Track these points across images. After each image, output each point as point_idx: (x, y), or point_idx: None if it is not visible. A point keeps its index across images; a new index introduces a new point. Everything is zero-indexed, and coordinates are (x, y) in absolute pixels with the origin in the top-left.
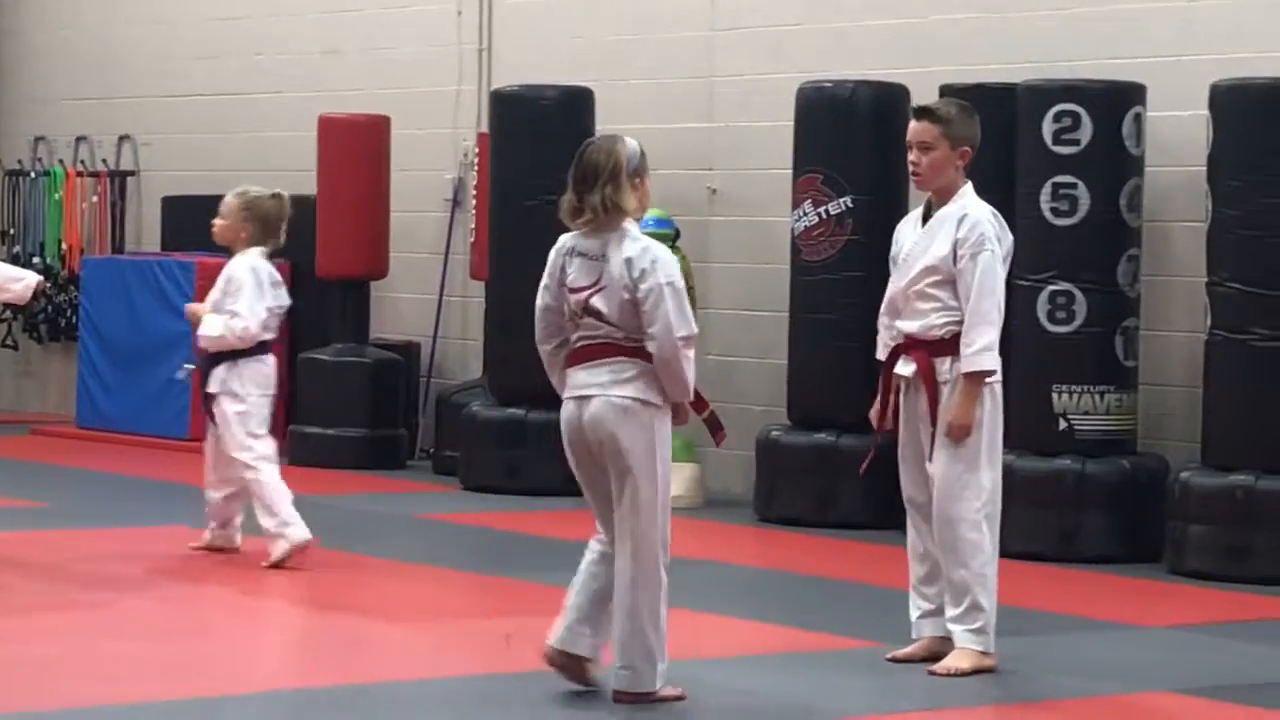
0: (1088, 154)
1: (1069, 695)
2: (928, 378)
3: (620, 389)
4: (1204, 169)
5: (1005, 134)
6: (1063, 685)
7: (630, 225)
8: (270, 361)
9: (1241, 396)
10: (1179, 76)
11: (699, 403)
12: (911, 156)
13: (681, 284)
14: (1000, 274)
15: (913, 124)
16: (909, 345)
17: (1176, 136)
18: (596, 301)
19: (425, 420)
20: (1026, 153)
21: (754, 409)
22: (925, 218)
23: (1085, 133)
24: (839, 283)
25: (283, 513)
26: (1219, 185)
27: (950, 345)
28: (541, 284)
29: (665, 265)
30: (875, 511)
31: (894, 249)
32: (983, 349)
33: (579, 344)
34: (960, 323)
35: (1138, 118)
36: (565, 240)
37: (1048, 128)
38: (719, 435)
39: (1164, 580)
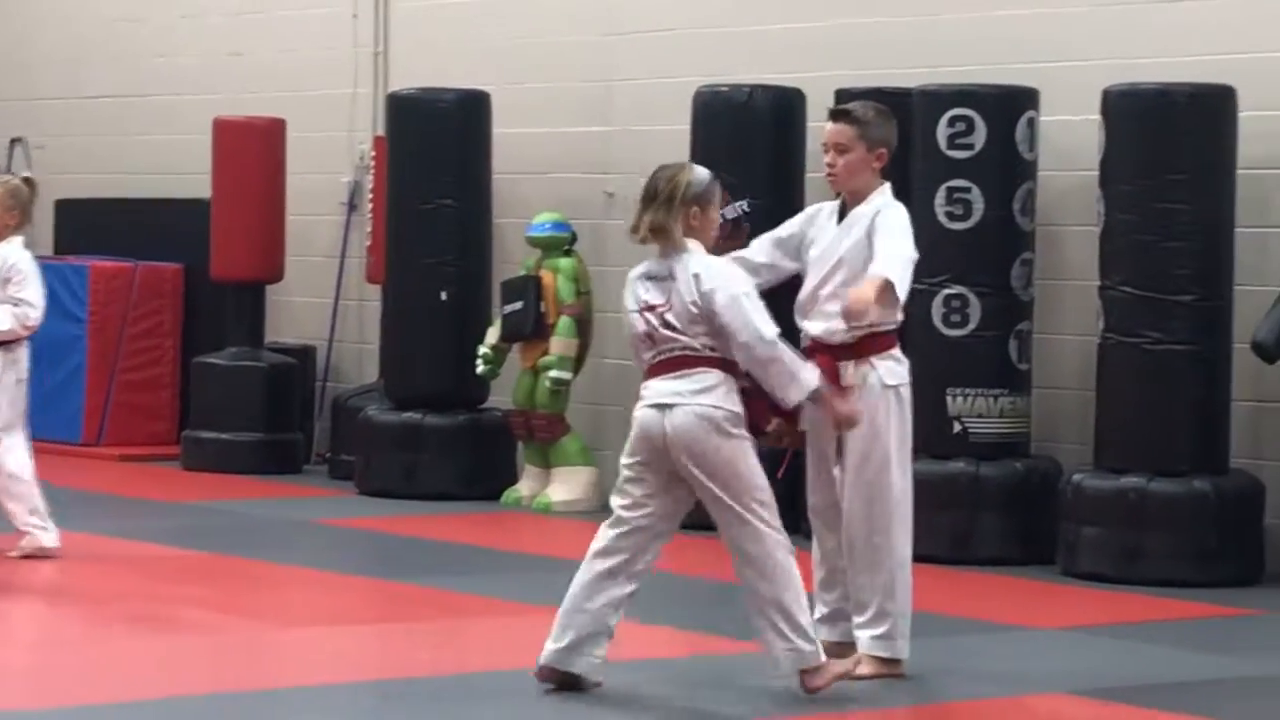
0: (982, 158)
1: (963, 697)
2: (832, 381)
3: (703, 398)
4: (1096, 173)
5: (900, 138)
6: (957, 688)
7: (696, 247)
8: (27, 345)
9: (1133, 399)
10: (1071, 81)
11: (763, 416)
12: (828, 158)
13: (754, 290)
14: (909, 231)
15: (829, 125)
16: (813, 348)
17: (1069, 141)
18: (671, 317)
19: (321, 424)
20: (921, 157)
21: None
22: (841, 218)
23: (979, 137)
24: None
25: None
26: (1111, 189)
27: (854, 349)
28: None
29: (733, 278)
30: (779, 514)
31: (802, 230)
32: (894, 266)
33: (657, 359)
34: (865, 326)
35: (1031, 122)
36: (635, 270)
37: (942, 132)
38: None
39: (1058, 582)
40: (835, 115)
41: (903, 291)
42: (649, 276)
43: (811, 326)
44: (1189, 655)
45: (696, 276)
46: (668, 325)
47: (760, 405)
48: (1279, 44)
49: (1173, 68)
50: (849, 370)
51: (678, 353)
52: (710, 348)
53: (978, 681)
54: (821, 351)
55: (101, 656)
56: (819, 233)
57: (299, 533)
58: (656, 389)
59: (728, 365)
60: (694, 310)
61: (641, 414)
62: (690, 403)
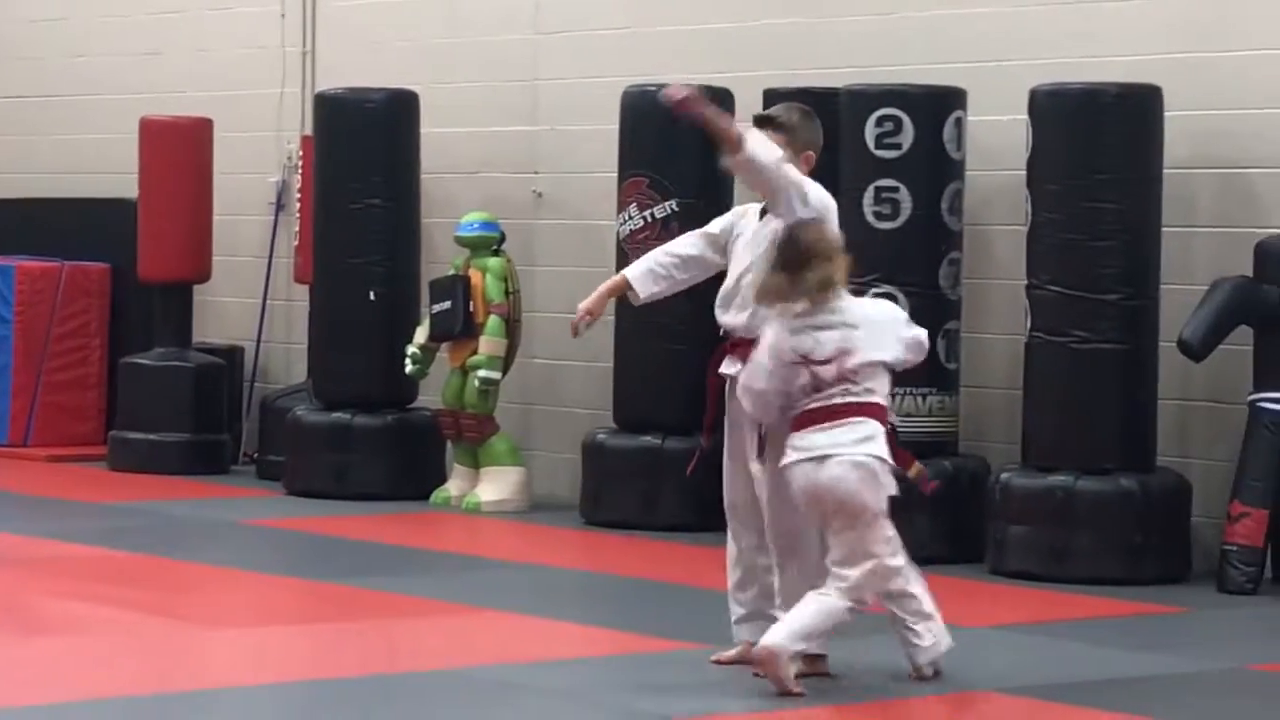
0: (910, 158)
1: (893, 695)
2: None
3: (865, 447)
4: (1023, 173)
5: (828, 138)
6: (884, 686)
7: (844, 292)
8: None
9: (1061, 398)
10: (999, 81)
11: (905, 460)
12: None
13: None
14: (814, 184)
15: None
16: (734, 344)
17: (997, 141)
18: (850, 363)
19: (249, 425)
20: (849, 157)
21: (579, 412)
22: (764, 212)
23: (907, 137)
24: None
25: None
26: (1038, 189)
27: None
28: (768, 371)
29: (893, 311)
30: (700, 514)
31: (730, 226)
32: (762, 145)
33: (810, 406)
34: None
35: (959, 122)
36: (787, 326)
37: (870, 132)
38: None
39: (986, 580)
40: (760, 122)
41: (757, 150)
42: (816, 327)
43: (731, 319)
44: (1116, 653)
45: (871, 316)
46: (845, 377)
47: (903, 451)
48: (1205, 44)
49: (1099, 68)
50: None
51: (836, 400)
52: (869, 390)
53: (905, 680)
54: (741, 346)
55: (25, 658)
56: (744, 228)
57: (226, 533)
58: (813, 442)
59: (881, 412)
60: (882, 359)
61: (799, 470)
62: (852, 453)
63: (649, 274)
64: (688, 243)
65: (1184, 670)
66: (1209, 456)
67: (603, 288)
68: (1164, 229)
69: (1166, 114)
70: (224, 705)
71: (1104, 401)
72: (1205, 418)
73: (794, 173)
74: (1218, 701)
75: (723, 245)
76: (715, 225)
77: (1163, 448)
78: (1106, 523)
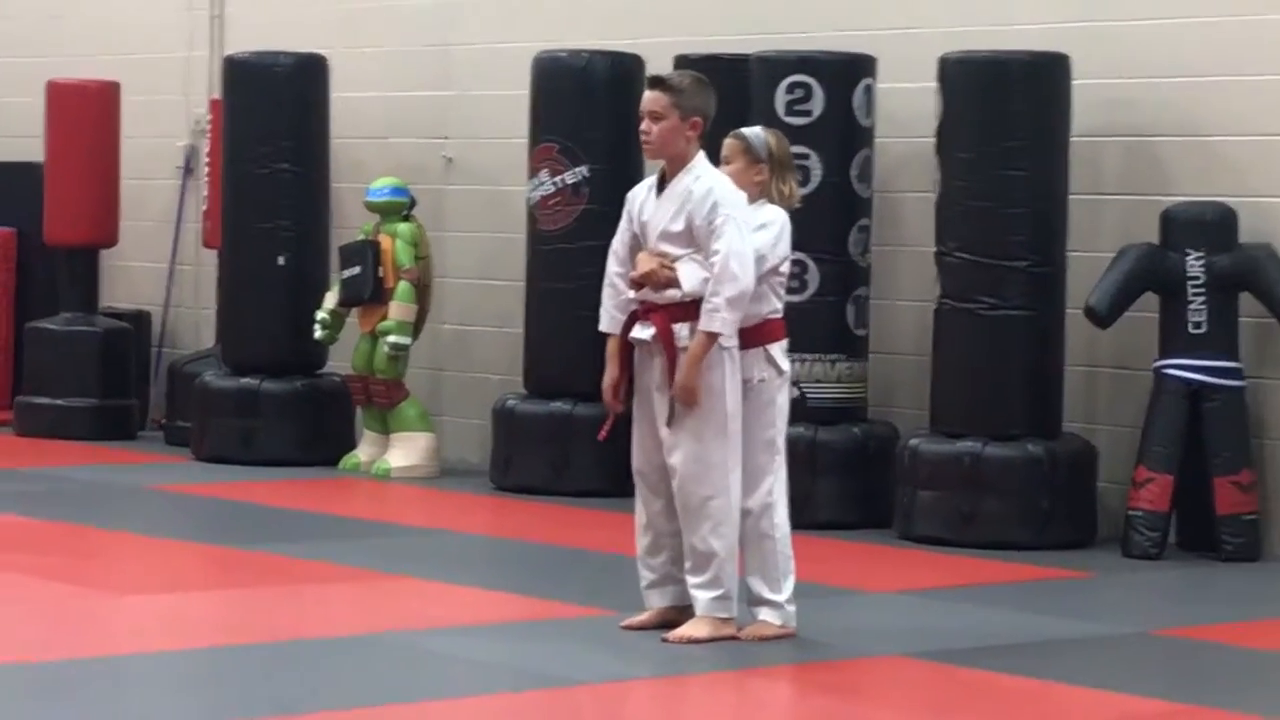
0: (820, 125)
1: (800, 660)
2: (667, 342)
3: None
4: (933, 140)
5: (739, 105)
6: (794, 651)
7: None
8: None
9: (968, 365)
10: (909, 49)
11: None
12: (643, 125)
13: None
14: (744, 234)
15: (645, 93)
16: (647, 309)
17: (906, 108)
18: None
19: (157, 390)
20: (760, 124)
21: (490, 378)
22: (660, 187)
23: (817, 104)
24: (575, 252)
25: None
26: (947, 156)
27: (688, 310)
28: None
29: None
30: (610, 479)
31: (629, 219)
32: (718, 309)
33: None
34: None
35: (868, 89)
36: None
37: (780, 99)
38: None
39: (894, 545)
40: (651, 83)
41: (733, 320)
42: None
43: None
44: (1022, 617)
45: None
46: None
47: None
48: (1112, 12)
49: (1007, 35)
50: (684, 331)
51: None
52: None
53: (814, 644)
54: (655, 312)
55: None
56: (642, 210)
57: (134, 499)
58: None
59: None
60: None
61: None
62: None
63: (613, 320)
64: (620, 259)
65: (1089, 634)
66: (1115, 422)
67: (610, 357)
68: (1071, 196)
69: (1074, 82)
70: (132, 671)
71: (1011, 368)
72: (1111, 384)
73: (736, 267)
74: (1122, 665)
75: (640, 235)
76: (623, 231)
77: (1069, 414)
78: (1013, 488)
